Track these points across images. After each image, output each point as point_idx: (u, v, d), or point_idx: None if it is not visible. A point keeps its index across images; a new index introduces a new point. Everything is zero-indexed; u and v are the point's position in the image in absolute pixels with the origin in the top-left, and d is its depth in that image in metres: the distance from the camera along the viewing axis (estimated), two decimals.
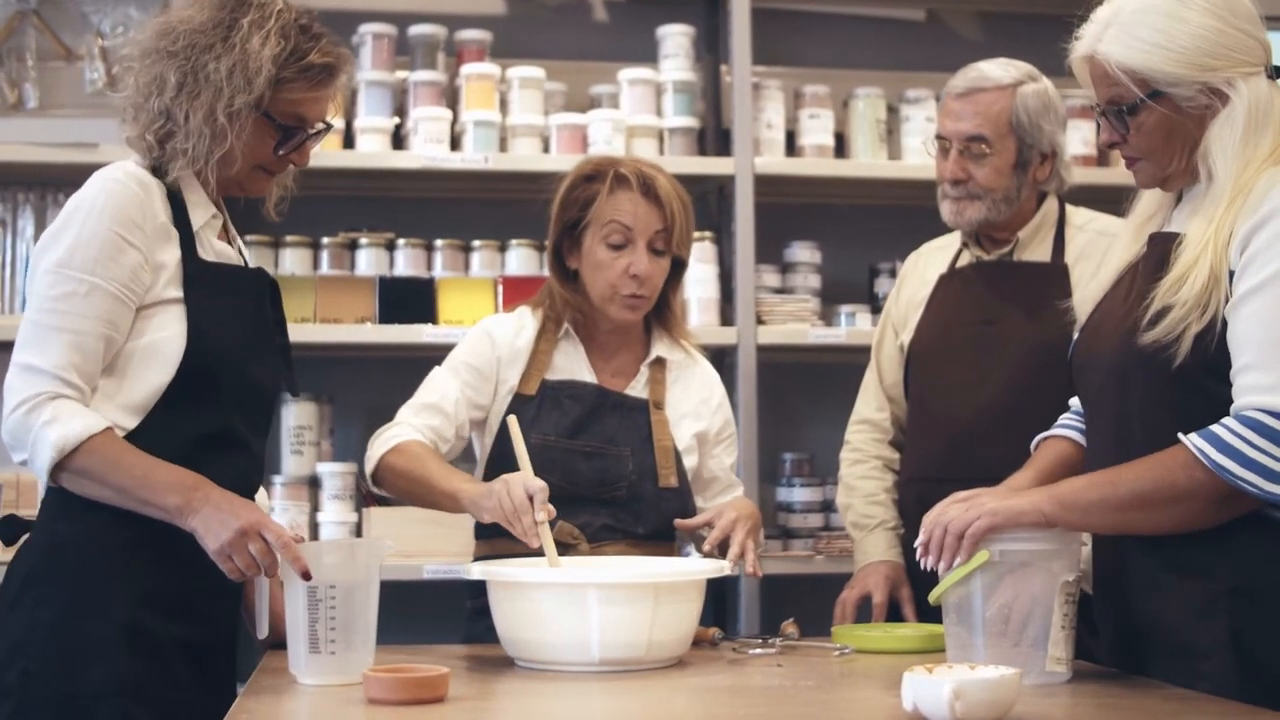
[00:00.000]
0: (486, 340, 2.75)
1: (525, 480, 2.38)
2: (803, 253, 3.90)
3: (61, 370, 2.14)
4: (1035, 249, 2.97)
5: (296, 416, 3.68)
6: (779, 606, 3.40)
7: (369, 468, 2.66)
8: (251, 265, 2.46)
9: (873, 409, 3.16)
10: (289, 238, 3.69)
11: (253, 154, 2.29)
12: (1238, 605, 2.03)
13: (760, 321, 3.73)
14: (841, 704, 1.97)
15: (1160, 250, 2.14)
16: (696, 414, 2.80)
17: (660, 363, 2.80)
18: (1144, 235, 2.24)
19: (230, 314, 2.29)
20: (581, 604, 2.20)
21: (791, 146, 3.89)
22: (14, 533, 2.27)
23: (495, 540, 2.63)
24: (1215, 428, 2.00)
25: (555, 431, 2.67)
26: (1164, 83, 2.10)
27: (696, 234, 3.75)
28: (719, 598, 3.87)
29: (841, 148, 3.92)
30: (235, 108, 2.23)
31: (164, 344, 2.21)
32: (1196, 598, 2.06)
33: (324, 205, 3.85)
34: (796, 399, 4.06)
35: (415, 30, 3.78)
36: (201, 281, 2.25)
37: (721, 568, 2.42)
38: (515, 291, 3.61)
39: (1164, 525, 2.05)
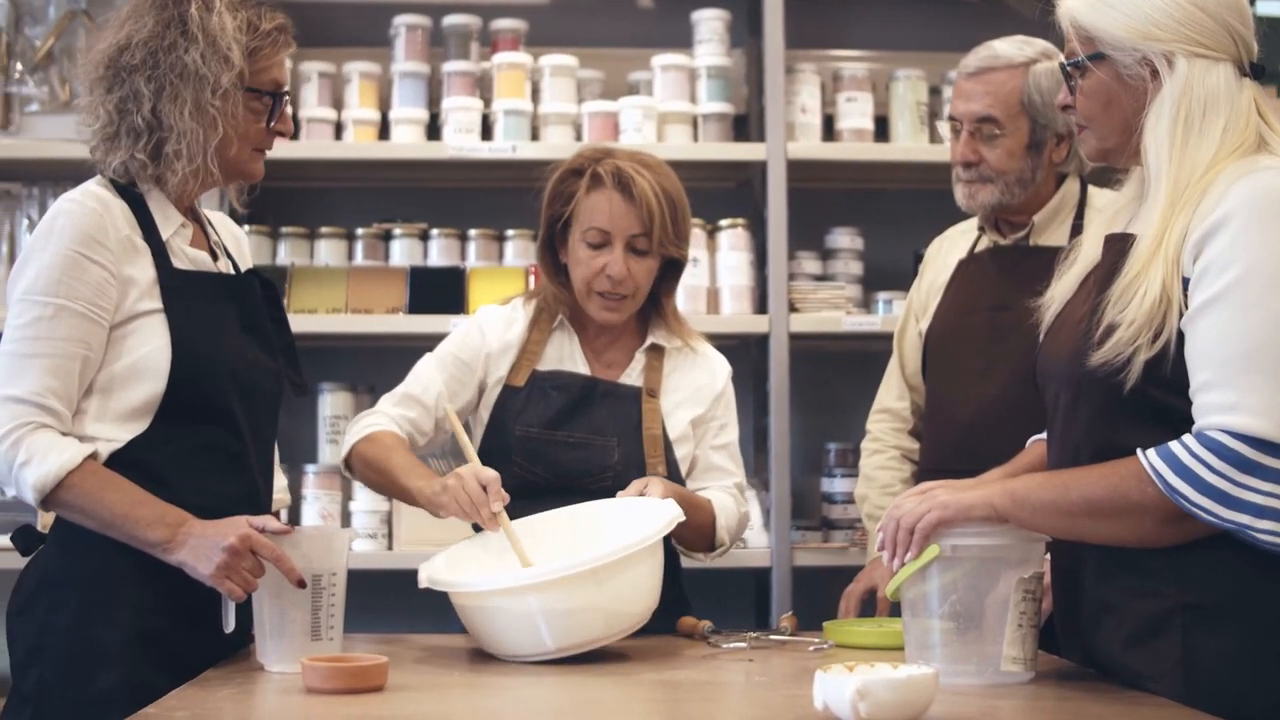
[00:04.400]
0: (477, 333, 2.73)
1: (476, 472, 2.37)
2: (843, 239, 3.83)
3: (38, 396, 2.15)
4: (1053, 233, 2.87)
5: (331, 406, 3.72)
6: (815, 599, 3.35)
7: (342, 453, 2.66)
8: (260, 264, 2.48)
9: (893, 397, 3.10)
10: (324, 229, 3.73)
11: (247, 135, 2.31)
12: (1190, 623, 1.92)
13: (794, 309, 3.67)
14: (770, 701, 1.93)
15: (1114, 255, 2.04)
16: (693, 400, 2.75)
17: (657, 350, 2.75)
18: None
19: (214, 322, 2.29)
20: (523, 603, 2.18)
21: (831, 131, 3.82)
22: (29, 543, 2.29)
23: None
24: (1174, 446, 1.89)
25: (539, 423, 2.65)
26: (1108, 44, 2.01)
27: (729, 221, 3.75)
28: (758, 589, 3.83)
29: (885, 131, 3.84)
30: (223, 88, 2.25)
31: (149, 359, 2.21)
32: (1148, 618, 1.96)
33: (359, 196, 3.91)
34: (844, 388, 3.98)
35: (449, 20, 3.79)
36: (180, 292, 2.26)
37: (673, 517, 2.32)
38: None
39: (1115, 536, 1.95)
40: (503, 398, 2.68)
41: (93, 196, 2.24)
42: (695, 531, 2.61)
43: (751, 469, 3.86)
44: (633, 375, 2.72)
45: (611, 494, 2.62)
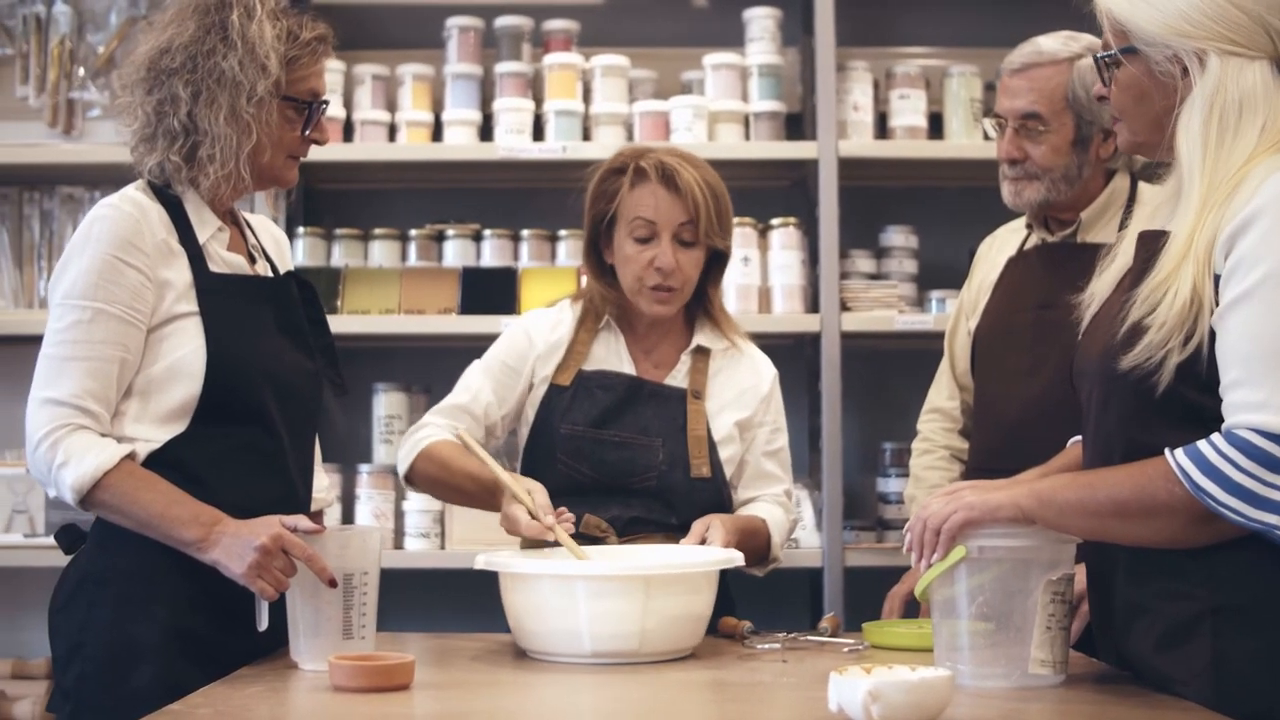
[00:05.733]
0: (524, 338, 2.75)
1: (520, 498, 2.42)
2: (897, 237, 3.81)
3: (77, 399, 2.19)
4: (1101, 230, 2.83)
5: (385, 406, 3.75)
6: (870, 599, 3.33)
7: (401, 469, 2.70)
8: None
9: (944, 397, 3.07)
10: (377, 230, 3.76)
11: (282, 142, 2.34)
12: (1220, 626, 1.88)
13: (846, 308, 3.65)
14: (790, 702, 1.92)
15: (1146, 253, 2.00)
16: (739, 403, 2.74)
17: (703, 352, 2.74)
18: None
19: (248, 323, 2.32)
20: (570, 596, 2.19)
21: (885, 129, 3.80)
22: (72, 541, 2.33)
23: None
24: (1202, 445, 1.85)
25: (585, 422, 2.66)
26: (1140, 40, 1.98)
27: (780, 220, 3.73)
28: (812, 590, 3.81)
29: (940, 128, 3.81)
30: (259, 96, 2.27)
31: (186, 361, 2.24)
32: (1178, 620, 1.92)
33: (412, 198, 3.94)
34: (900, 387, 3.95)
35: (501, 21, 3.81)
36: (215, 294, 2.29)
37: (731, 559, 2.37)
38: None
39: (1143, 537, 1.92)
40: (548, 396, 2.69)
41: (130, 201, 2.28)
42: (753, 554, 2.63)
43: (806, 469, 3.86)
44: (678, 377, 2.72)
45: (655, 494, 2.64)
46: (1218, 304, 1.88)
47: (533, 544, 2.67)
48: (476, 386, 2.72)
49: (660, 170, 2.63)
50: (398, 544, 3.66)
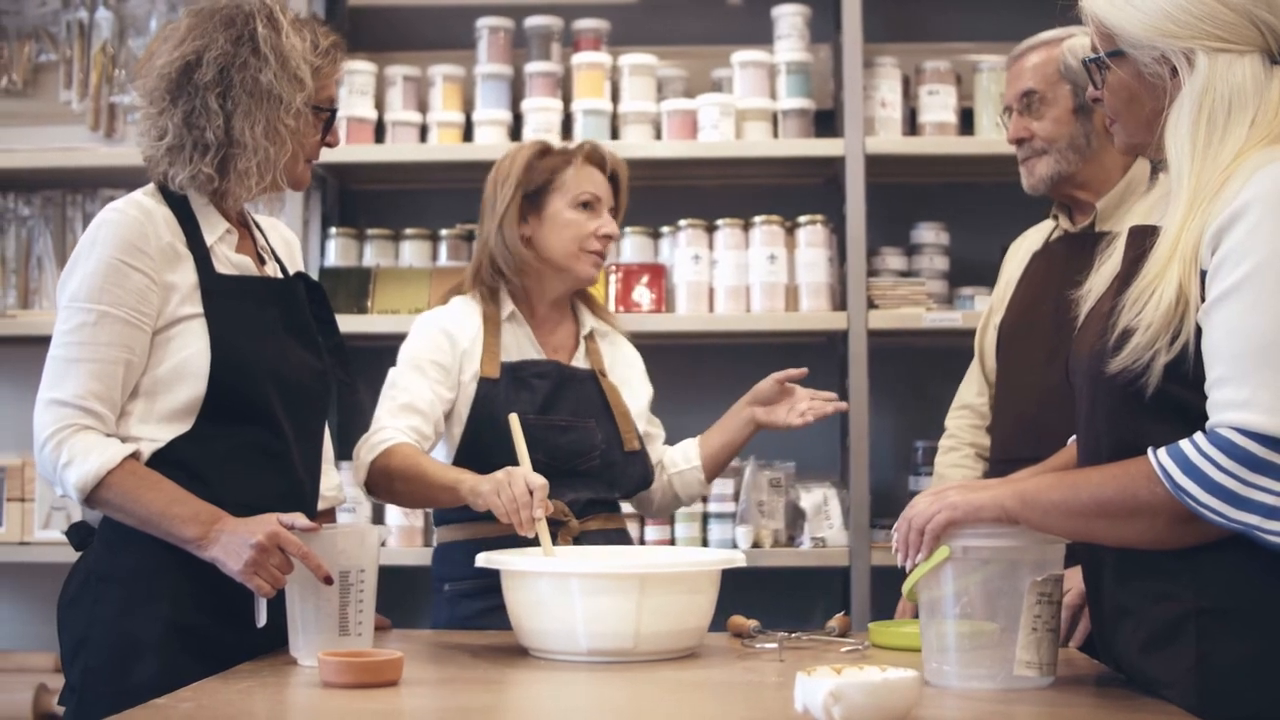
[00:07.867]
0: (444, 337, 2.78)
1: (527, 475, 2.40)
2: (928, 234, 3.78)
3: (82, 400, 2.23)
4: (1121, 218, 2.78)
5: None
6: (897, 598, 3.31)
7: (360, 476, 2.67)
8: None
9: (973, 394, 3.07)
10: (408, 230, 3.79)
11: (305, 148, 2.38)
12: (1205, 628, 1.86)
13: (873, 306, 3.64)
14: (765, 701, 1.92)
15: (1136, 250, 1.98)
16: (638, 381, 2.94)
17: (592, 335, 2.90)
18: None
19: (253, 324, 2.35)
20: (566, 593, 2.20)
21: (915, 125, 3.77)
22: (82, 538, 2.38)
23: (465, 525, 2.72)
24: (1184, 444, 1.83)
25: (531, 409, 2.72)
26: (1126, 42, 1.95)
27: (807, 218, 3.73)
28: (843, 588, 3.80)
29: (970, 124, 3.78)
30: (295, 107, 2.31)
31: (190, 361, 2.28)
32: (1163, 622, 1.90)
33: (443, 198, 3.97)
34: (934, 384, 3.92)
35: (531, 21, 3.83)
36: (220, 295, 2.32)
37: (732, 559, 2.37)
38: (631, 278, 3.63)
39: (1126, 538, 1.89)
40: (482, 391, 2.74)
41: (136, 205, 2.32)
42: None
43: (836, 468, 3.84)
44: (579, 360, 2.86)
45: (598, 473, 2.77)
46: (1204, 300, 1.86)
47: (452, 540, 2.76)
48: (415, 387, 2.73)
49: (610, 160, 2.88)
50: (426, 542, 3.69)
